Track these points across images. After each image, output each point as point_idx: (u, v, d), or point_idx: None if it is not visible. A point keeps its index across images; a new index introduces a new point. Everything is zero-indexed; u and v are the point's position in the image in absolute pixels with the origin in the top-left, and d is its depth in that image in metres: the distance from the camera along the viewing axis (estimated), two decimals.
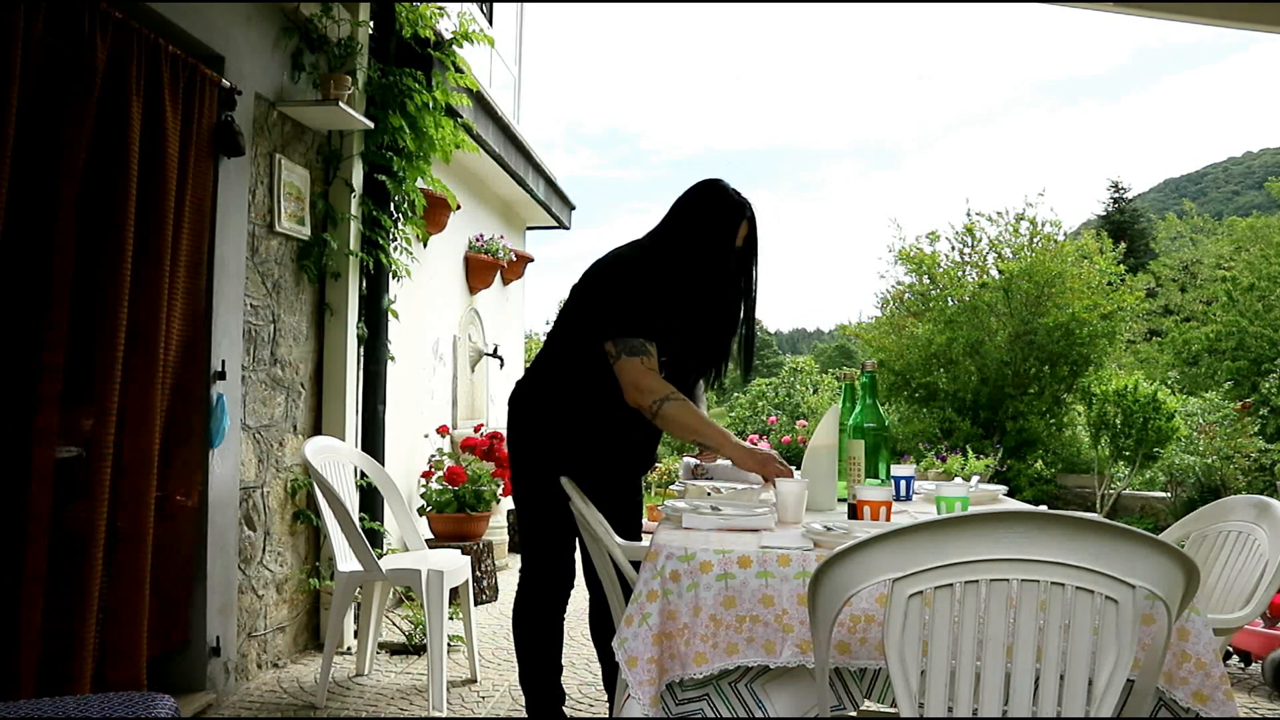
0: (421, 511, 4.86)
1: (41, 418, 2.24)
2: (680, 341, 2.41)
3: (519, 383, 2.55)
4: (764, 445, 9.06)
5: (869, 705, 1.98)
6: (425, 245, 4.97)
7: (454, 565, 3.32)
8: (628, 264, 2.40)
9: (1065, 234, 9.95)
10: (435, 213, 4.70)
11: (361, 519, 3.70)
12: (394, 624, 3.96)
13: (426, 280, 5.21)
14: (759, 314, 2.59)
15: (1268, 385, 9.44)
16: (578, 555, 2.54)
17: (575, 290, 2.46)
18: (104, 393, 2.46)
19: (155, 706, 1.74)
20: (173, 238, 2.72)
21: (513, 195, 6.80)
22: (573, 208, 7.85)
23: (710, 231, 2.36)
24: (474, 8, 5.83)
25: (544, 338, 2.64)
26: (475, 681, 3.44)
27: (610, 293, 2.34)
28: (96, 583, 2.42)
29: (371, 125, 3.80)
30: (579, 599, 2.60)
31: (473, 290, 6.23)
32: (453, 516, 4.76)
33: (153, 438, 2.64)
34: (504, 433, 5.16)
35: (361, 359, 4.04)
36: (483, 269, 6.17)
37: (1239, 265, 13.78)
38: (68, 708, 1.78)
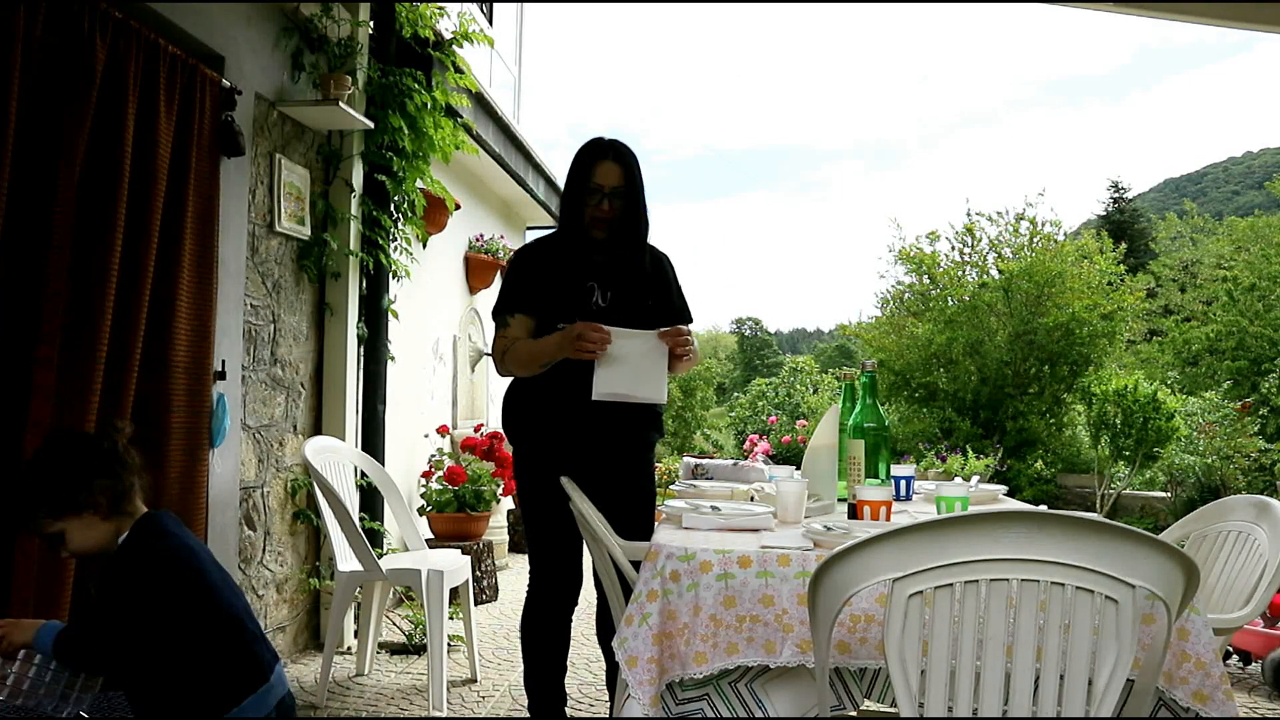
0: (421, 511, 4.86)
1: (35, 409, 2.23)
2: (603, 299, 2.45)
3: (503, 397, 2.63)
4: (763, 445, 9.06)
5: (869, 705, 1.98)
6: (425, 245, 4.97)
7: (454, 565, 3.32)
8: (521, 248, 2.64)
9: (1065, 234, 9.95)
10: (435, 213, 4.70)
11: (361, 519, 3.70)
12: (394, 624, 3.96)
13: (426, 280, 5.21)
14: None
15: (1268, 385, 9.45)
16: (587, 557, 2.54)
17: None
18: (118, 392, 2.47)
19: None
20: (175, 238, 2.71)
21: (513, 195, 6.80)
22: None
23: (573, 179, 2.44)
24: (474, 8, 5.83)
25: None
26: (475, 681, 3.44)
27: (502, 279, 2.59)
28: None
29: (371, 125, 3.81)
30: (583, 598, 2.60)
31: (473, 290, 6.23)
32: (453, 516, 4.76)
33: (165, 440, 2.66)
34: (504, 433, 5.18)
35: (361, 359, 4.04)
36: (483, 269, 6.17)
37: (1239, 265, 13.79)
38: (59, 707, 1.78)
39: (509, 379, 2.58)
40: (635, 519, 2.54)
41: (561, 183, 7.42)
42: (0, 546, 2.23)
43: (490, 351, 6.72)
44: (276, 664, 1.88)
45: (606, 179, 2.39)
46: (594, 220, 2.42)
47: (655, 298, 2.55)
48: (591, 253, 2.46)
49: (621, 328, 2.32)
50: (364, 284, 4.04)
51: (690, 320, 2.66)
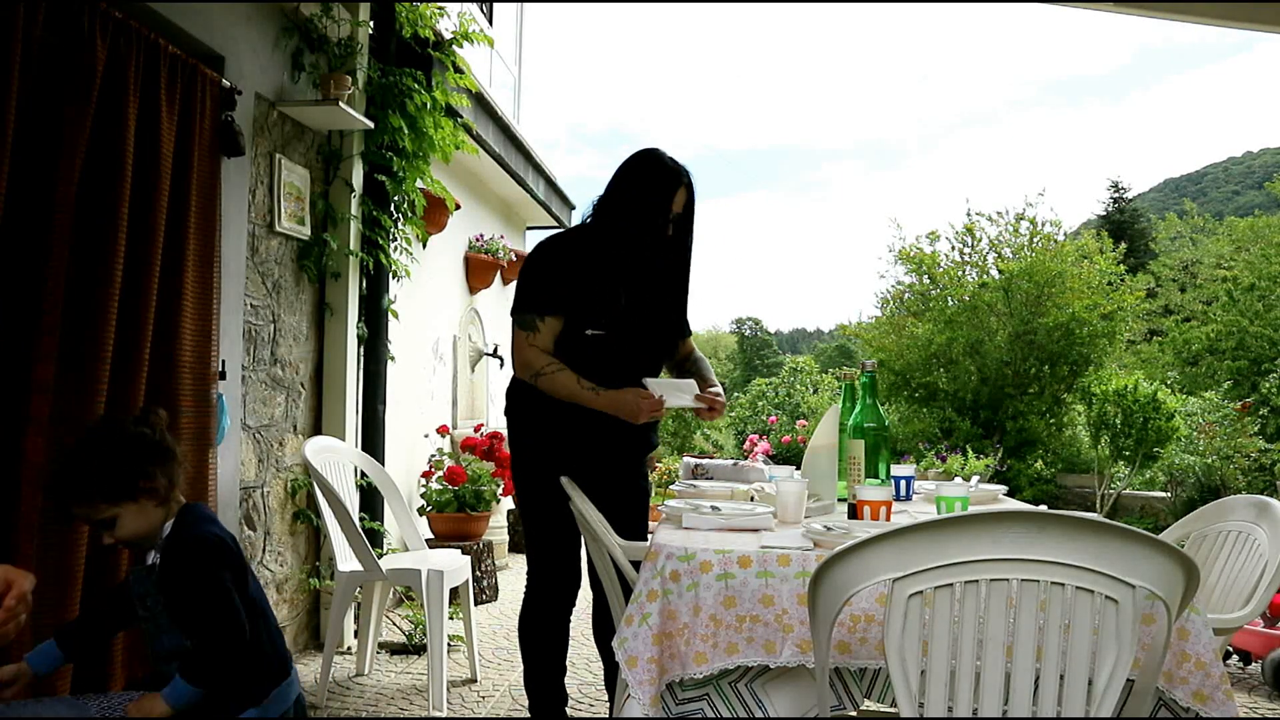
0: (421, 511, 4.86)
1: (34, 407, 2.23)
2: (633, 308, 2.45)
3: (505, 392, 2.60)
4: (763, 445, 9.06)
5: (869, 705, 1.98)
6: (425, 245, 4.97)
7: (454, 565, 3.32)
8: (546, 243, 2.52)
9: (1065, 234, 9.96)
10: (435, 213, 4.70)
11: (361, 519, 3.70)
12: (394, 624, 3.96)
13: (426, 280, 5.21)
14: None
15: (1268, 385, 9.45)
16: (584, 556, 2.54)
17: None
18: (125, 392, 2.48)
19: None
20: (178, 238, 2.71)
21: (513, 195, 6.80)
22: (573, 207, 7.87)
23: (650, 201, 2.37)
24: (474, 8, 5.83)
25: None
26: (475, 681, 3.44)
27: (523, 273, 2.47)
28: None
29: (371, 125, 3.80)
30: (579, 599, 2.60)
31: (473, 290, 6.23)
32: (453, 516, 4.76)
33: (175, 440, 2.67)
34: (504, 433, 5.17)
35: (361, 359, 4.04)
36: (483, 269, 6.17)
37: (1239, 265, 13.80)
38: (61, 708, 1.78)
39: (511, 375, 2.58)
40: (632, 518, 2.55)
41: (565, 182, 7.48)
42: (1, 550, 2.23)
43: (507, 352, 6.70)
44: (291, 660, 1.89)
45: (679, 205, 2.40)
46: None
47: (671, 308, 2.59)
48: (631, 260, 2.44)
49: (668, 387, 2.40)
50: (364, 284, 4.04)
51: (689, 333, 2.71)
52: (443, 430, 5.35)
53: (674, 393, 2.41)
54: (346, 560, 3.24)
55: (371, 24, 4.00)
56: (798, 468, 2.62)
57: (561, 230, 2.58)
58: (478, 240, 6.17)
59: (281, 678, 1.81)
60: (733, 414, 11.92)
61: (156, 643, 1.76)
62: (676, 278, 2.55)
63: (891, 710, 2.03)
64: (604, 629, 2.58)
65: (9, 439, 2.23)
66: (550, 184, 7.13)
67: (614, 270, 2.43)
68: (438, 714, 3.04)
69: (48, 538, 2.26)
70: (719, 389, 2.56)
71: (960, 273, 9.96)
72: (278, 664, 1.82)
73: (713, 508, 1.99)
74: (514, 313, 2.43)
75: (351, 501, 3.46)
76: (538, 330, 2.38)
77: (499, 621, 4.38)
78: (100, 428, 1.82)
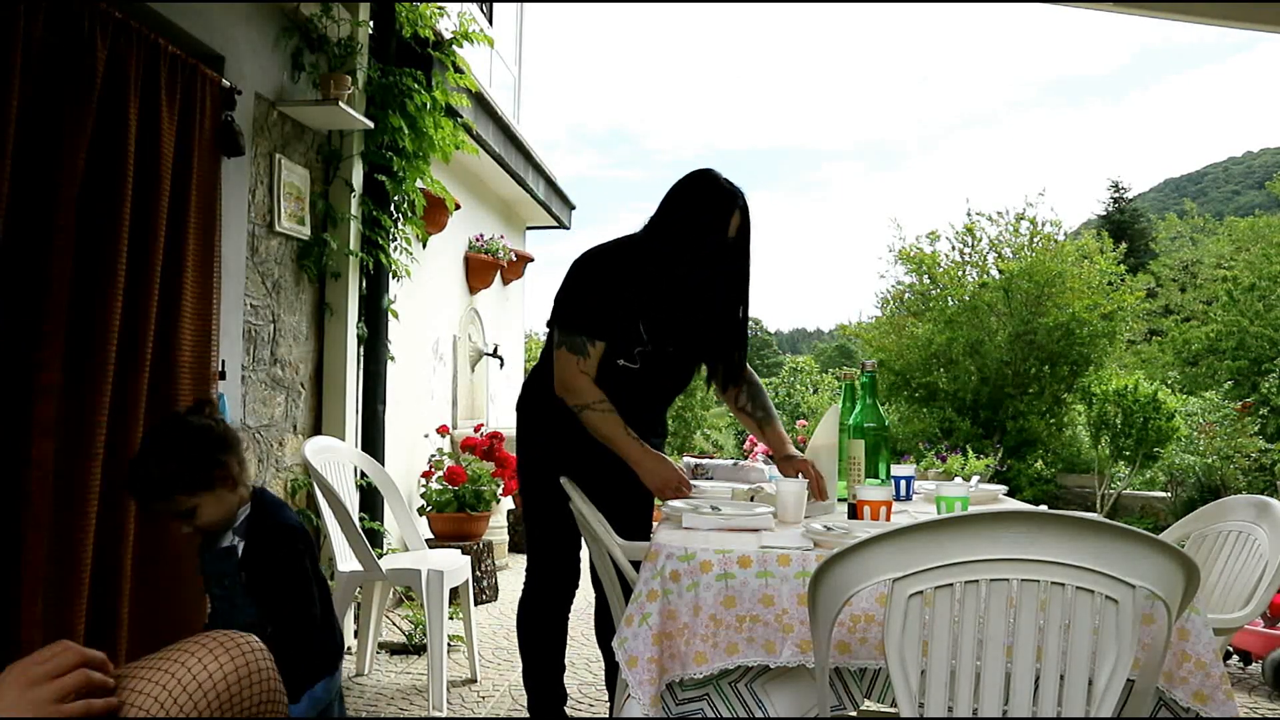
0: (421, 511, 4.86)
1: (40, 411, 2.23)
2: (681, 333, 2.40)
3: (523, 384, 2.57)
4: (761, 448, 9.06)
5: (869, 705, 1.98)
6: (425, 245, 4.97)
7: (454, 565, 3.32)
8: (598, 257, 2.38)
9: (1065, 234, 9.97)
10: (435, 212, 4.70)
11: (361, 519, 3.70)
12: (394, 624, 3.96)
13: (426, 280, 5.21)
14: (753, 310, 2.55)
15: (1268, 385, 9.45)
16: (584, 555, 2.54)
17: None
18: (129, 394, 2.48)
19: None
20: (179, 239, 2.71)
21: (513, 195, 6.80)
22: (573, 207, 7.86)
23: (702, 222, 2.27)
24: (474, 8, 5.83)
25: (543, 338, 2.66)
26: (475, 681, 3.44)
27: (570, 284, 2.35)
28: (126, 595, 2.47)
29: (371, 125, 3.80)
30: (579, 598, 2.60)
31: (473, 290, 6.22)
32: (453, 516, 4.76)
33: None
34: (504, 433, 5.18)
35: (361, 359, 4.04)
36: (483, 269, 6.17)
37: (1239, 265, 13.80)
38: None
39: (520, 376, 2.58)
40: (638, 519, 2.55)
41: (565, 182, 7.48)
42: (5, 556, 2.22)
43: (507, 353, 6.68)
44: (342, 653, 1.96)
45: (733, 229, 2.30)
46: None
47: (714, 340, 2.49)
48: (677, 287, 2.34)
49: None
50: (364, 284, 4.04)
51: (744, 364, 2.55)
52: (443, 430, 5.35)
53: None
54: (346, 560, 3.24)
55: (371, 24, 3.99)
56: None
57: (612, 242, 2.43)
58: (478, 240, 6.17)
59: (338, 660, 1.89)
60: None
61: (230, 621, 1.84)
62: (728, 307, 2.44)
63: (891, 710, 2.03)
64: (605, 629, 2.58)
65: (15, 443, 2.23)
66: (550, 184, 7.12)
67: (661, 304, 2.33)
68: (438, 714, 3.04)
69: (55, 537, 2.26)
70: (791, 449, 2.43)
71: (960, 273, 9.96)
72: (335, 649, 1.90)
73: (713, 508, 1.99)
74: (564, 330, 2.29)
75: (351, 501, 3.46)
76: (588, 355, 2.26)
77: (499, 621, 4.38)
78: (165, 426, 1.91)
